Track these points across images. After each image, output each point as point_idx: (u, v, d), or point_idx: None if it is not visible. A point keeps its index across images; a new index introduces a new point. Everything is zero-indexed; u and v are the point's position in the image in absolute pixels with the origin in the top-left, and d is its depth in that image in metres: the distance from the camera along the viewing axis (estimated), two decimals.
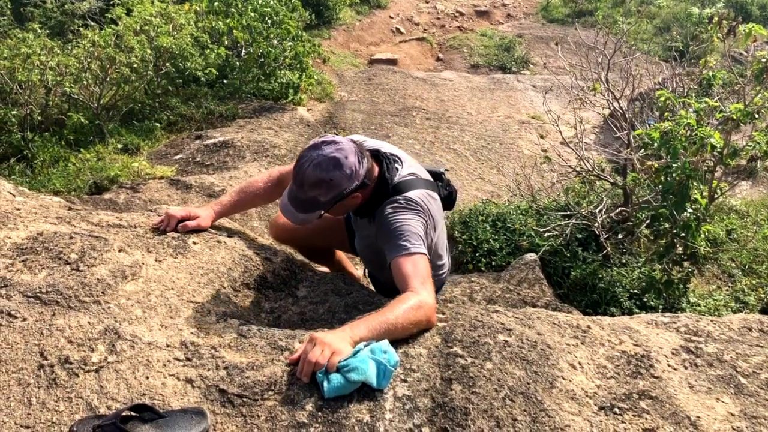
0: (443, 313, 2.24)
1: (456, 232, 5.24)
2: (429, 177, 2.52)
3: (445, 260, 2.78)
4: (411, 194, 2.28)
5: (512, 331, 2.13)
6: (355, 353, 1.82)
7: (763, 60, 4.13)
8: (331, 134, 2.32)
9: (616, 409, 1.86)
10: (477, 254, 5.03)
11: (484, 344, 2.03)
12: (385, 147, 2.48)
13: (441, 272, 2.73)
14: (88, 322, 1.91)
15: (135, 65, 6.98)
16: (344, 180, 2.12)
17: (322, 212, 2.18)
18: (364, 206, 2.35)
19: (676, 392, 1.97)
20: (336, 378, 1.77)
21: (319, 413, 1.74)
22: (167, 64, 7.38)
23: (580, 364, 2.05)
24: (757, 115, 4.21)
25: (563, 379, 1.95)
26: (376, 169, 2.28)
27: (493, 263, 4.95)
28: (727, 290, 5.07)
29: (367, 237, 2.59)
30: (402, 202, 2.26)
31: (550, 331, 2.21)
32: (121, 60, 6.85)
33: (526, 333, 2.14)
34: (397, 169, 2.35)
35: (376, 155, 2.35)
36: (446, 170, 2.67)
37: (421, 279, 2.08)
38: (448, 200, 2.70)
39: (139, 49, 6.97)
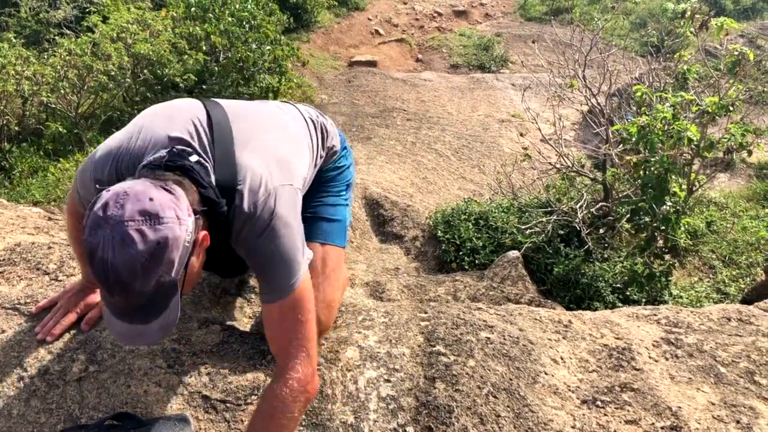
0: (425, 312, 2.24)
1: (439, 232, 5.25)
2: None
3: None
4: (256, 189, 1.57)
5: (494, 327, 2.14)
6: None
7: (736, 53, 4.18)
8: (95, 193, 1.41)
9: (599, 402, 1.88)
10: (460, 253, 5.04)
11: (466, 342, 2.04)
12: (166, 126, 1.62)
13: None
14: (68, 332, 1.90)
15: (113, 73, 6.94)
16: (176, 226, 1.32)
17: (179, 290, 1.38)
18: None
19: (657, 383, 1.99)
20: None
21: (303, 417, 1.74)
22: (145, 70, 7.33)
23: (562, 358, 2.06)
24: (731, 108, 4.26)
25: (546, 374, 1.96)
26: (189, 183, 1.45)
27: (477, 261, 4.96)
28: (708, 281, 5.12)
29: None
30: (261, 215, 1.56)
31: (532, 326, 2.22)
32: (98, 68, 6.80)
33: (508, 329, 2.15)
34: (200, 165, 1.54)
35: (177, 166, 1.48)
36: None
37: (297, 345, 1.60)
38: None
39: (116, 56, 6.93)
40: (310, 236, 2.00)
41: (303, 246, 1.65)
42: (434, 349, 2.00)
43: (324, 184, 2.15)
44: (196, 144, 1.59)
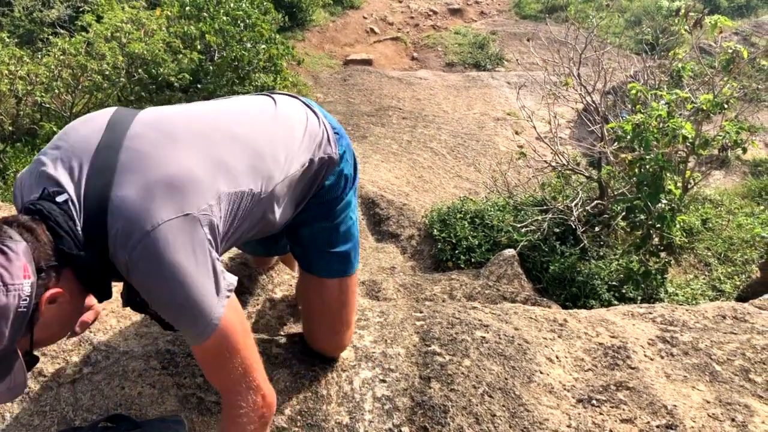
0: (421, 312, 2.24)
1: (435, 230, 5.25)
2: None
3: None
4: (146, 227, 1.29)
5: (489, 327, 2.14)
6: None
7: (730, 51, 4.19)
8: None
9: (594, 401, 1.88)
10: (456, 251, 5.04)
11: (461, 341, 2.03)
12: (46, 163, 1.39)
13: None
14: None
15: (107, 72, 6.92)
16: None
17: (19, 355, 1.25)
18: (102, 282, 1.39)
19: (652, 382, 1.99)
20: None
21: (299, 417, 1.74)
22: (140, 70, 7.31)
23: (557, 357, 2.06)
24: (726, 105, 4.27)
25: (541, 373, 1.96)
26: (43, 231, 1.27)
27: (473, 260, 4.96)
28: (703, 279, 5.13)
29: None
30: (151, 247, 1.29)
31: (527, 325, 2.22)
32: (92, 67, 6.78)
33: (503, 328, 2.15)
34: (68, 206, 1.31)
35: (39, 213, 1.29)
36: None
37: (235, 380, 1.43)
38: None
39: (110, 56, 6.91)
40: (330, 273, 1.88)
41: (214, 281, 1.36)
42: (429, 348, 2.00)
43: (333, 205, 1.83)
44: (70, 183, 1.34)
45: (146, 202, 1.30)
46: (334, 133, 1.80)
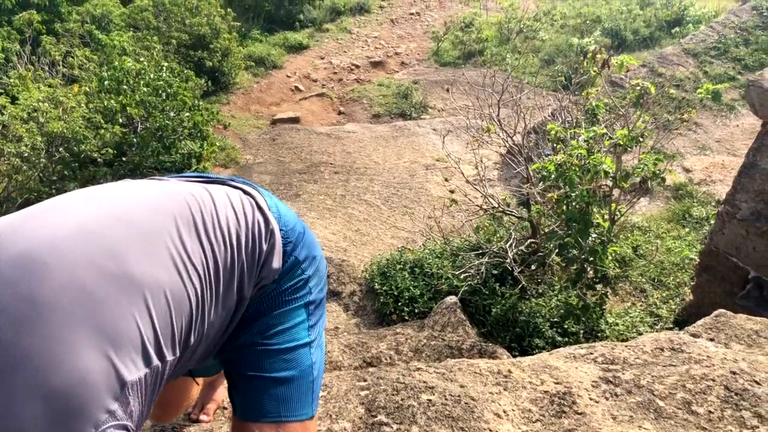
0: (365, 380, 2.20)
1: (376, 284, 5.23)
2: None
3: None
4: None
5: (435, 388, 2.11)
6: None
7: (638, 88, 4.39)
8: None
9: None
10: (399, 303, 5.03)
11: (408, 407, 2.00)
12: None
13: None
14: None
15: (26, 154, 6.73)
16: None
17: None
18: None
19: (600, 426, 1.99)
20: None
21: None
22: (60, 149, 7.14)
23: (504, 411, 2.05)
24: (641, 138, 4.45)
25: (489, 431, 1.95)
26: None
27: (416, 310, 4.96)
28: (641, 305, 5.26)
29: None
30: None
31: (473, 381, 2.21)
32: (10, 151, 6.58)
33: (449, 388, 2.13)
34: None
35: None
36: None
37: None
38: None
39: (28, 137, 6.73)
40: (258, 415, 1.22)
41: None
42: (376, 419, 1.96)
43: (258, 316, 1.28)
44: None
45: None
46: (286, 242, 1.29)
